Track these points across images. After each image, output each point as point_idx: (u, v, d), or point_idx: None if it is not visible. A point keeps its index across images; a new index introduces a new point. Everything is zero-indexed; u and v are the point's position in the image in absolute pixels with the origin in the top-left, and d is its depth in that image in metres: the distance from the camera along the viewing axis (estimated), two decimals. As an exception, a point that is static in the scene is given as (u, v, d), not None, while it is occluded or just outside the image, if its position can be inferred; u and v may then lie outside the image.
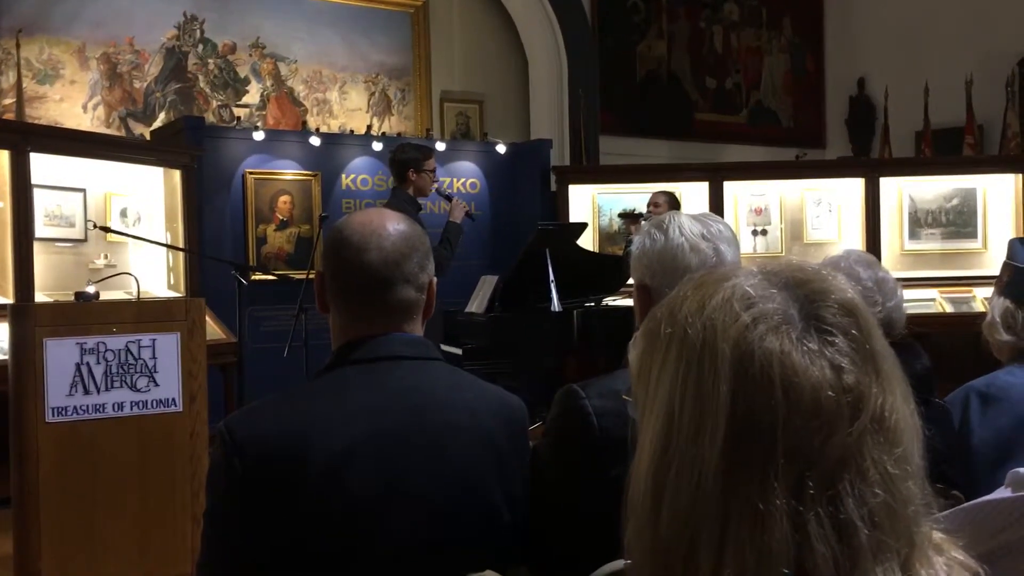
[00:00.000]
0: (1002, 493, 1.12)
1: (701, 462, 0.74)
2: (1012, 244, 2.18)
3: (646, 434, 0.80)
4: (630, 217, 6.18)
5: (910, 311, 2.33)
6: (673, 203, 5.91)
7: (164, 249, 5.56)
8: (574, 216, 7.04)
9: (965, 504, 1.16)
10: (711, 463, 0.74)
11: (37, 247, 4.83)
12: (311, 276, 4.81)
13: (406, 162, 4.95)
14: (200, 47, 7.11)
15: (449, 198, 5.25)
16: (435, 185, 5.06)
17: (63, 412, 3.12)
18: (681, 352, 0.79)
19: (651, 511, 0.77)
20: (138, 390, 3.26)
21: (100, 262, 5.27)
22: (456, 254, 5.16)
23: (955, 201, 6.92)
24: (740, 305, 0.77)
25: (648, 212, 5.88)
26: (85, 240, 5.24)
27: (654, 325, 0.83)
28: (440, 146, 7.09)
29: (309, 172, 6.54)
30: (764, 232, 7.10)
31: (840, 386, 0.74)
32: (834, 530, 0.72)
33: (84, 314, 3.27)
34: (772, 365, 0.74)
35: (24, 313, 3.19)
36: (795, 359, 0.74)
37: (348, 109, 7.71)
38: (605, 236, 7.20)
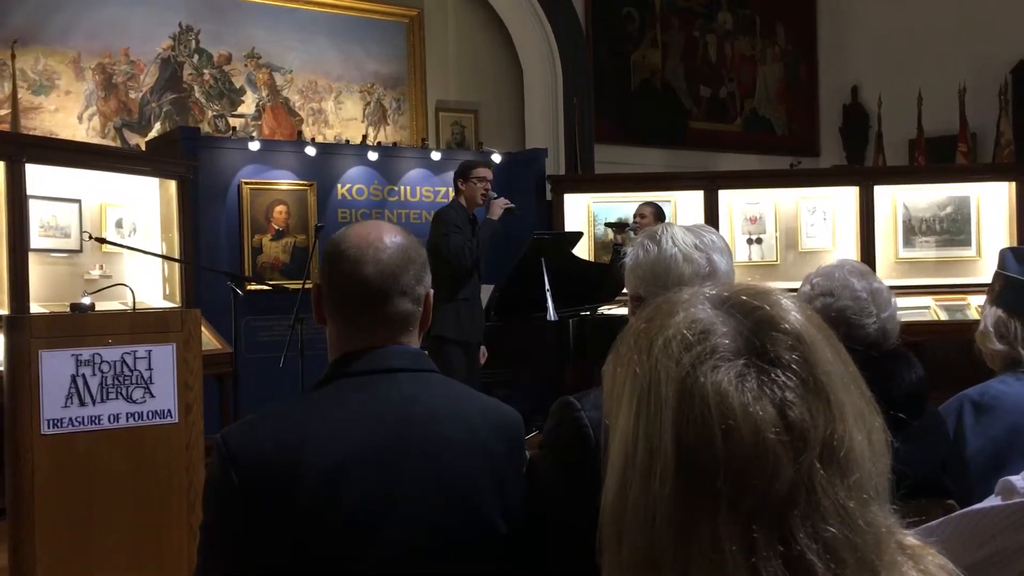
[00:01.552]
0: (993, 501, 1.13)
1: (654, 505, 0.74)
2: (1003, 254, 2.19)
3: (611, 464, 0.80)
4: (616, 226, 6.22)
5: (904, 319, 2.34)
6: (658, 214, 5.97)
7: (160, 260, 5.56)
8: (569, 225, 7.05)
9: (956, 513, 1.17)
10: (663, 507, 0.74)
11: (32, 258, 4.83)
12: (307, 286, 4.83)
13: (456, 173, 5.34)
14: (196, 57, 7.12)
15: (496, 197, 5.37)
16: (486, 196, 5.22)
17: (58, 424, 3.11)
18: (633, 390, 0.79)
19: (615, 544, 0.78)
20: (134, 401, 3.25)
21: (95, 273, 5.27)
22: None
23: (949, 209, 6.95)
24: (682, 345, 0.77)
25: (635, 223, 5.92)
26: (80, 251, 5.23)
27: (617, 353, 0.83)
28: (435, 156, 7.11)
29: (305, 182, 6.55)
30: (759, 240, 7.12)
31: (783, 424, 0.73)
32: (789, 571, 0.71)
33: (79, 325, 3.27)
34: (711, 410, 0.73)
35: (19, 324, 3.19)
36: (734, 403, 0.73)
37: (343, 119, 7.73)
38: (600, 245, 7.21)
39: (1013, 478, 1.12)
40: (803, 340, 0.77)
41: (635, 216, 6.05)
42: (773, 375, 0.74)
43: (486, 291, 5.72)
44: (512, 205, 5.32)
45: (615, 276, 5.64)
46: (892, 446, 0.81)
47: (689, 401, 0.74)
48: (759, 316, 0.78)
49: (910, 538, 0.81)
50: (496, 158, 7.37)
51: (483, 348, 5.31)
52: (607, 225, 6.82)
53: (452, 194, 7.01)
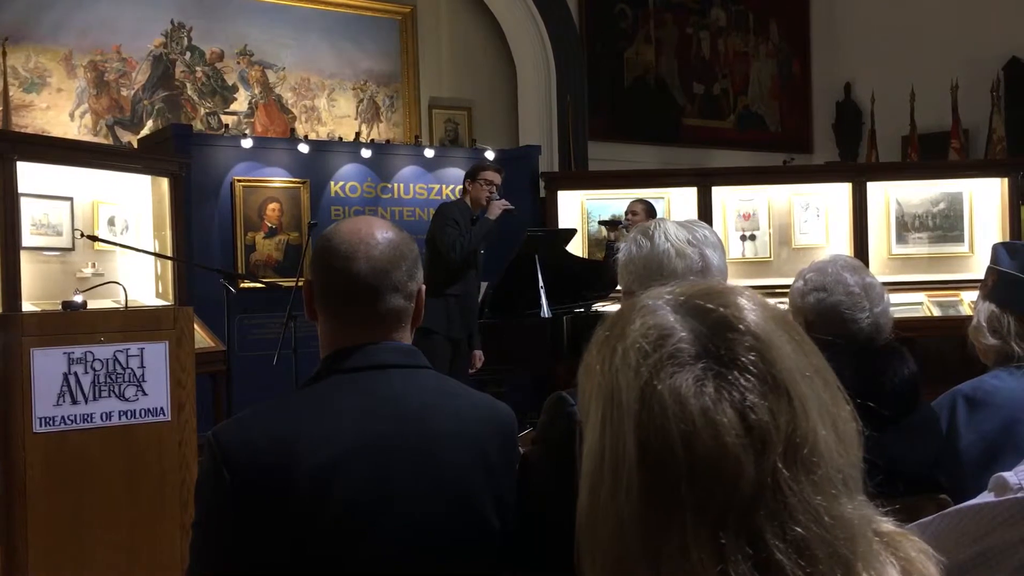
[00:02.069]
0: (985, 498, 1.13)
1: (622, 514, 0.74)
2: (996, 248, 2.19)
3: (582, 474, 0.80)
4: (610, 224, 6.23)
5: (898, 315, 2.34)
6: (650, 211, 5.99)
7: (152, 258, 5.54)
8: (563, 222, 7.05)
9: (949, 509, 1.17)
10: (630, 516, 0.74)
11: (24, 256, 4.81)
12: (300, 284, 4.82)
13: (467, 173, 5.41)
14: (188, 55, 7.10)
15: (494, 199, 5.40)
16: (490, 198, 5.26)
17: (50, 422, 3.10)
18: (598, 400, 0.79)
19: (589, 554, 0.78)
20: (126, 399, 3.24)
21: (87, 271, 5.25)
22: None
23: (942, 205, 6.96)
24: (640, 353, 0.77)
25: (626, 220, 5.93)
26: (72, 249, 5.21)
27: (585, 362, 0.83)
28: (428, 153, 7.10)
29: (298, 179, 6.54)
30: (752, 237, 7.12)
31: (743, 426, 0.73)
32: (759, 573, 0.71)
33: (71, 323, 3.26)
34: (670, 417, 0.73)
35: (11, 323, 3.18)
36: (693, 408, 0.73)
37: (336, 116, 7.71)
38: (594, 242, 7.21)
39: (1006, 474, 1.12)
40: (760, 338, 0.77)
41: (626, 213, 6.07)
42: (731, 377, 0.74)
43: (480, 288, 5.72)
44: (511, 207, 5.35)
45: (609, 273, 5.65)
46: (863, 434, 0.81)
47: (649, 409, 0.74)
48: (715, 318, 0.78)
49: (888, 525, 0.81)
50: (490, 155, 7.36)
51: (479, 353, 5.31)
52: (601, 223, 6.83)
53: (445, 191, 7.05)
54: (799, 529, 0.72)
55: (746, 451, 0.72)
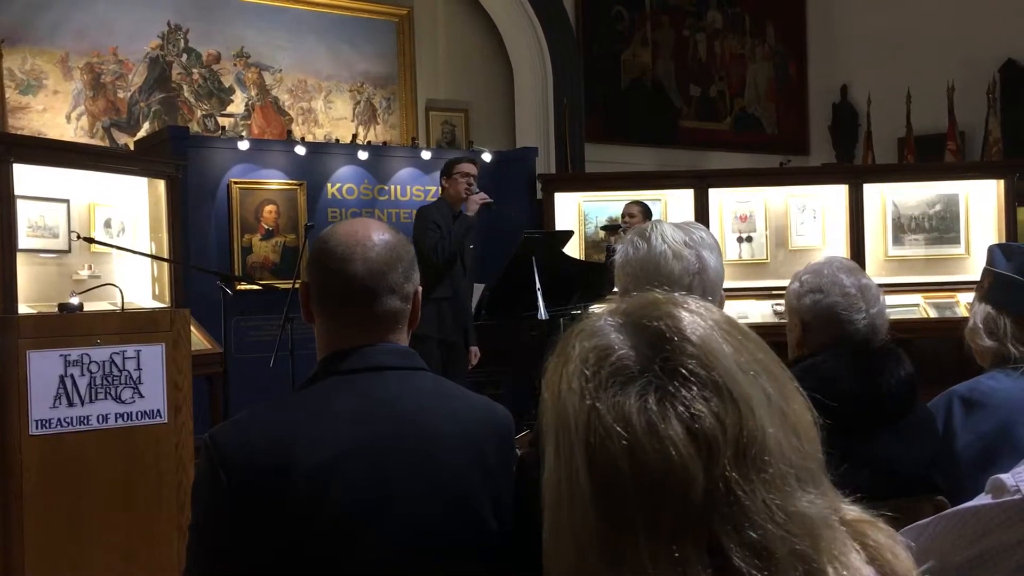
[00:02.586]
0: (983, 499, 1.13)
1: (580, 538, 0.75)
2: (991, 250, 2.19)
3: (545, 501, 0.81)
4: (609, 229, 6.24)
5: (894, 316, 2.34)
6: (646, 212, 6.00)
7: (148, 260, 5.54)
8: (560, 224, 7.05)
9: (947, 511, 1.17)
10: (587, 539, 0.74)
11: (20, 258, 4.80)
12: (297, 286, 4.81)
13: (442, 171, 5.34)
14: (184, 57, 7.09)
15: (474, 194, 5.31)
16: (468, 191, 5.17)
17: (47, 424, 3.10)
18: (552, 425, 0.80)
19: (549, 572, 0.79)
20: (123, 402, 3.24)
21: (84, 273, 5.24)
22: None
23: (938, 207, 6.97)
24: (583, 377, 0.78)
25: (624, 223, 5.94)
26: (69, 251, 5.20)
27: (543, 386, 0.84)
28: (425, 155, 7.10)
29: (294, 181, 6.53)
30: (749, 239, 7.13)
31: (688, 436, 0.73)
32: None
33: (68, 325, 3.26)
34: (613, 435, 0.74)
35: (7, 325, 3.18)
36: (635, 423, 0.73)
37: (333, 118, 7.71)
38: (591, 244, 7.21)
39: (1003, 476, 1.12)
40: (697, 344, 0.77)
41: (623, 215, 6.08)
42: (672, 388, 0.75)
43: (477, 290, 5.72)
44: (489, 199, 5.27)
45: (608, 277, 5.66)
46: (818, 424, 0.81)
47: (595, 431, 0.74)
48: (653, 331, 0.79)
49: (854, 512, 0.81)
50: (486, 157, 7.36)
51: (475, 349, 5.30)
52: (602, 228, 6.85)
53: (445, 188, 7.04)
54: (755, 532, 0.72)
55: (693, 460, 0.72)
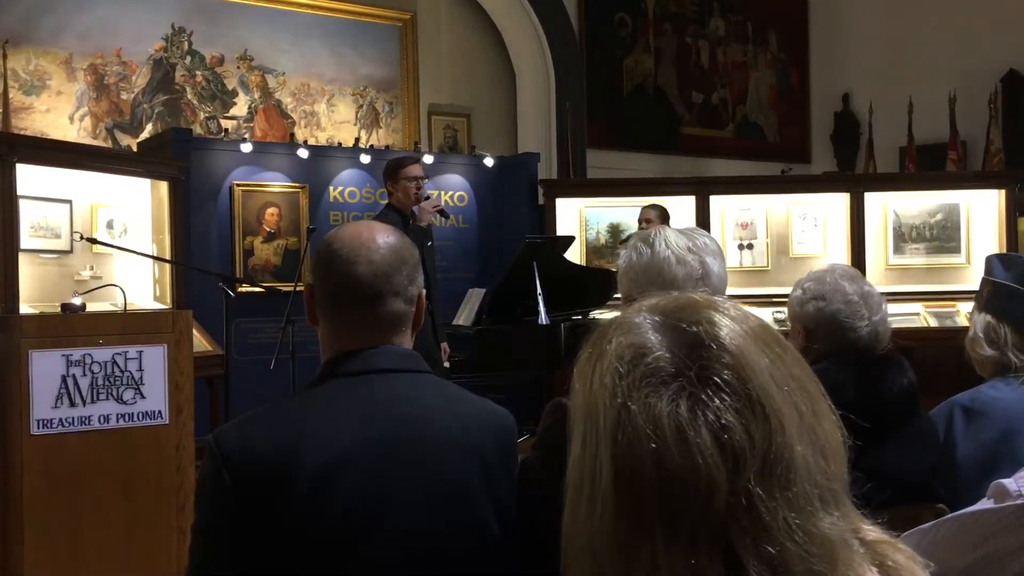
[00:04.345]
0: (985, 504, 1.13)
1: (597, 532, 0.75)
2: (989, 260, 2.20)
3: (566, 490, 0.81)
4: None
5: (895, 325, 2.35)
6: (664, 216, 5.91)
7: (150, 261, 5.54)
8: (561, 229, 7.06)
9: (950, 515, 1.18)
10: (604, 534, 0.74)
11: (22, 258, 4.81)
12: (298, 288, 4.82)
13: (385, 175, 4.98)
14: (188, 59, 7.11)
15: (426, 199, 4.97)
16: (419, 194, 4.85)
17: (48, 424, 3.10)
18: (579, 419, 0.80)
19: (567, 565, 0.79)
20: (124, 402, 3.24)
21: (86, 273, 5.25)
22: (440, 266, 5.09)
23: (939, 216, 6.98)
24: (616, 375, 0.77)
25: (642, 228, 5.87)
26: (71, 251, 5.21)
27: (572, 379, 0.84)
28: (428, 159, 7.10)
29: (297, 184, 6.54)
30: (750, 246, 7.13)
31: (716, 446, 0.73)
32: None
33: (70, 326, 3.26)
34: (642, 438, 0.73)
35: (9, 325, 3.18)
36: (665, 428, 0.73)
37: (336, 121, 7.72)
38: (592, 249, 7.22)
39: (1005, 481, 1.12)
40: (734, 354, 0.77)
41: (641, 221, 5.94)
42: (705, 396, 0.74)
43: (478, 295, 5.72)
44: (441, 206, 4.92)
45: (608, 280, 5.66)
46: (848, 445, 0.80)
47: (624, 431, 0.74)
48: (691, 336, 0.78)
49: (874, 532, 0.81)
50: (488, 162, 7.37)
51: (444, 345, 5.08)
52: (620, 243, 6.85)
53: (444, 197, 7.04)
54: (773, 547, 0.72)
55: (719, 470, 0.72)
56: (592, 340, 0.84)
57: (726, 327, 0.79)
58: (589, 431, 0.78)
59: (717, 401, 0.74)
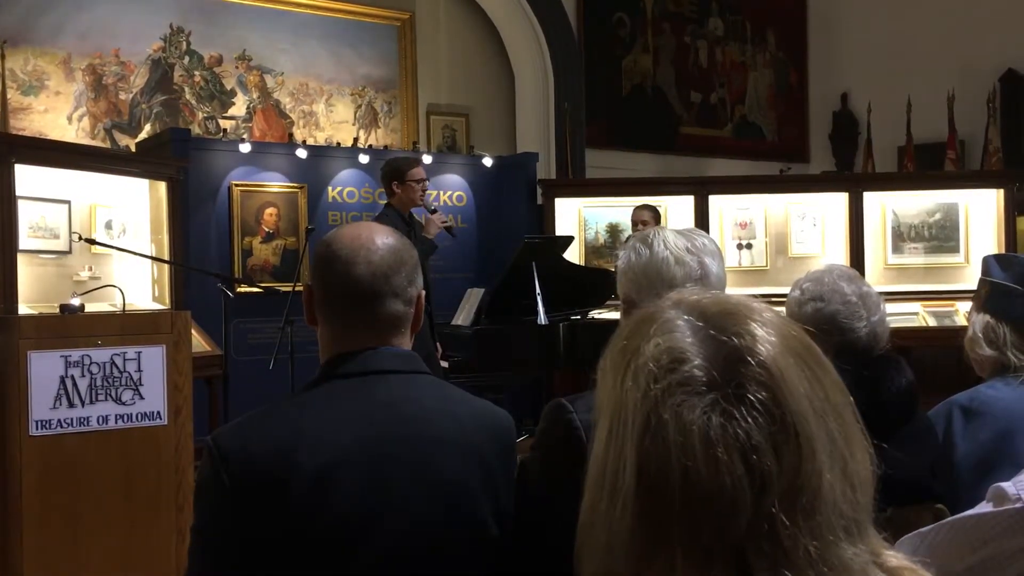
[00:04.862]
0: (984, 508, 1.14)
1: (615, 530, 0.74)
2: (986, 260, 2.20)
3: (587, 478, 0.79)
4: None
5: (893, 325, 2.35)
6: (656, 216, 5.97)
7: (149, 261, 5.54)
8: (560, 229, 7.06)
9: (948, 519, 1.18)
10: (622, 533, 0.73)
11: (21, 259, 4.81)
12: (297, 288, 4.81)
13: (390, 175, 5.06)
14: (186, 59, 7.10)
15: (433, 211, 5.19)
16: (423, 196, 5.02)
17: (47, 425, 3.10)
18: (608, 411, 0.78)
19: (583, 560, 0.78)
20: (123, 403, 3.24)
21: (85, 274, 5.25)
22: (438, 266, 5.12)
23: (938, 216, 6.98)
24: (651, 376, 0.76)
25: (639, 229, 5.89)
26: (70, 252, 5.21)
27: (602, 366, 0.82)
28: (427, 159, 7.09)
29: (295, 184, 6.54)
30: (749, 246, 7.14)
31: (744, 467, 0.71)
32: None
33: (69, 326, 3.26)
34: (672, 448, 0.72)
35: (8, 325, 3.18)
36: (696, 442, 0.72)
37: (335, 121, 7.72)
38: (591, 249, 7.22)
39: (1004, 484, 1.12)
40: (772, 374, 0.75)
41: (637, 224, 5.99)
42: (738, 414, 0.73)
43: (476, 295, 5.72)
44: (450, 223, 5.11)
45: (607, 280, 5.66)
46: (877, 474, 0.78)
47: (653, 435, 0.73)
48: (732, 349, 0.76)
49: (896, 559, 0.78)
50: (487, 162, 7.37)
51: (437, 344, 5.16)
52: (622, 244, 6.86)
53: (443, 198, 7.05)
54: (790, 572, 0.71)
55: (744, 491, 0.71)
56: (631, 330, 0.81)
57: (767, 343, 0.77)
58: (616, 426, 0.76)
59: (750, 420, 0.73)
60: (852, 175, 8.80)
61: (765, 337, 0.77)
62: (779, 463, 0.72)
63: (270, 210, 6.42)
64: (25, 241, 4.93)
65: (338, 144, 7.11)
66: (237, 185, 6.30)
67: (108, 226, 5.49)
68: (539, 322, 5.36)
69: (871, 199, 6.98)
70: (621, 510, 0.74)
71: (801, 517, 0.72)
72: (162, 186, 5.69)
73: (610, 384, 0.80)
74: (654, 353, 0.77)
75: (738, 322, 0.78)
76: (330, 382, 1.50)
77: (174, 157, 5.88)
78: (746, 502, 0.71)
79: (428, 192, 5.11)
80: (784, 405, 0.74)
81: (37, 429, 3.08)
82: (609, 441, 0.77)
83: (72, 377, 3.14)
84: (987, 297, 2.16)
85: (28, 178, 4.88)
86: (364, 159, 6.81)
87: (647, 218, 5.93)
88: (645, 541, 0.72)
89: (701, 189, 7.11)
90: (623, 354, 0.80)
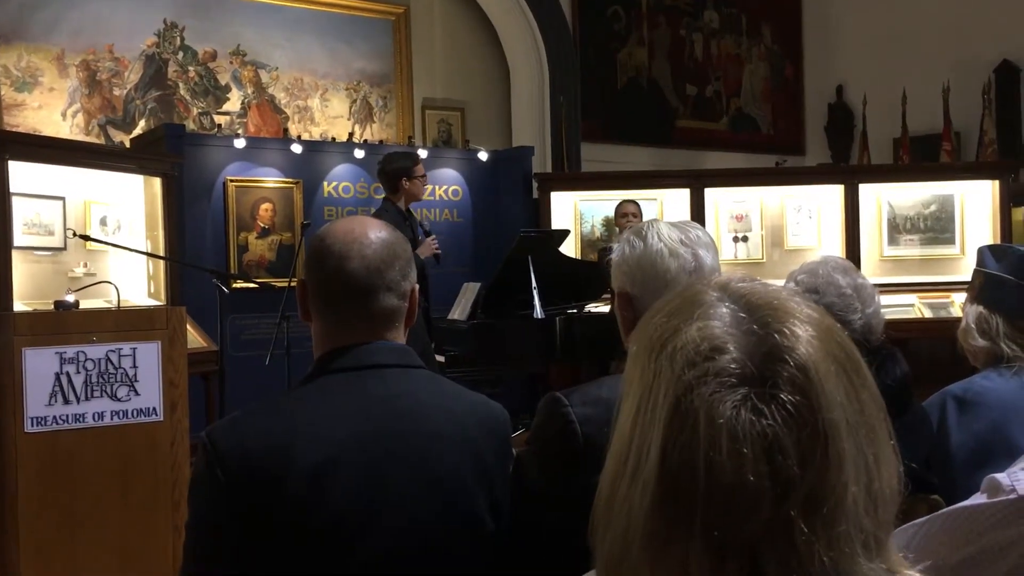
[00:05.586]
0: (979, 499, 1.13)
1: (633, 513, 0.73)
2: (981, 251, 2.21)
3: (610, 453, 0.78)
4: (604, 251, 6.27)
5: (889, 316, 2.35)
6: (640, 212, 6.07)
7: (144, 257, 5.53)
8: (556, 223, 7.05)
9: (943, 511, 1.17)
10: (640, 518, 0.72)
11: (16, 256, 4.79)
12: (293, 284, 4.80)
13: (398, 172, 5.15)
14: (180, 54, 7.08)
15: (428, 234, 5.28)
16: (427, 189, 5.14)
17: (42, 422, 3.10)
18: (637, 389, 0.77)
19: (599, 535, 0.77)
20: (118, 399, 3.24)
21: (80, 271, 5.23)
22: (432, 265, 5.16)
23: (933, 207, 6.99)
24: (687, 361, 0.74)
25: (626, 222, 5.96)
26: (64, 248, 5.20)
27: (638, 338, 0.81)
28: (422, 153, 7.09)
29: (291, 180, 6.53)
30: (745, 239, 7.14)
31: (768, 468, 0.70)
32: None
33: (63, 323, 3.25)
34: (699, 439, 0.71)
35: (2, 322, 3.17)
36: (723, 437, 0.70)
37: (330, 116, 7.70)
38: (587, 243, 7.22)
39: (999, 476, 1.12)
40: (811, 378, 0.73)
41: (622, 217, 6.09)
42: (769, 412, 0.71)
43: (472, 289, 5.72)
44: (439, 251, 5.23)
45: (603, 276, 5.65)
46: (904, 492, 0.77)
47: (681, 423, 0.72)
48: (770, 345, 0.74)
49: (913, 574, 0.77)
50: (483, 156, 7.36)
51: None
52: (600, 251, 6.89)
53: (438, 192, 7.04)
54: None
55: (766, 492, 0.69)
56: (672, 308, 0.79)
57: (807, 343, 0.75)
58: (644, 404, 0.75)
59: (780, 420, 0.71)
60: (848, 167, 8.80)
61: (807, 339, 0.75)
62: (803, 468, 0.70)
63: (265, 205, 6.41)
64: (19, 238, 4.91)
65: (333, 139, 7.09)
66: (232, 181, 6.29)
67: (103, 222, 5.48)
68: (535, 316, 5.35)
69: (867, 191, 6.98)
70: (642, 491, 0.73)
71: (820, 526, 0.70)
72: (157, 182, 5.67)
73: (644, 361, 0.78)
74: (694, 337, 0.75)
75: (778, 317, 0.77)
76: (324, 377, 1.50)
77: (169, 153, 5.87)
78: (766, 503, 0.70)
79: (422, 225, 5.31)
80: (818, 412, 0.72)
81: (32, 426, 3.08)
82: (636, 418, 0.75)
83: (67, 374, 3.14)
84: (981, 288, 2.17)
85: (22, 175, 4.86)
86: (359, 154, 6.80)
87: (635, 212, 6.02)
88: (663, 528, 0.72)
89: (697, 182, 7.11)
90: (661, 331, 0.78)
